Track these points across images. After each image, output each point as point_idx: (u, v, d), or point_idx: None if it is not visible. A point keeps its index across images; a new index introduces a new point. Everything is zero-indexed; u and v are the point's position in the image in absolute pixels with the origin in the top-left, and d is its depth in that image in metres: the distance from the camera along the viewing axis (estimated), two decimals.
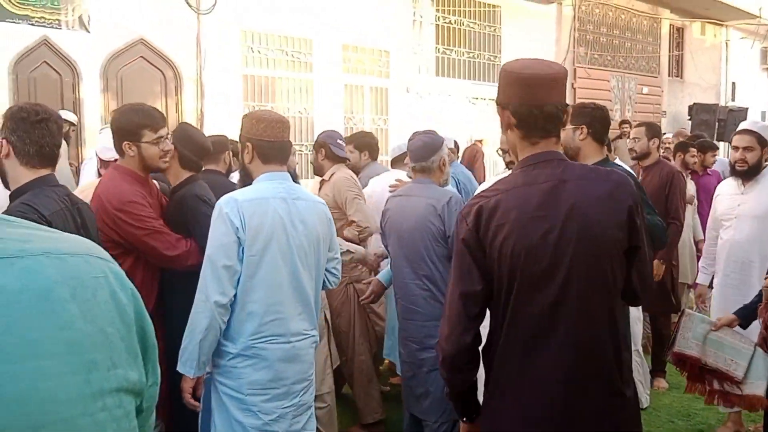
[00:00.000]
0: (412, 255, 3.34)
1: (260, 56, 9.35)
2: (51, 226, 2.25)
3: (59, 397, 0.73)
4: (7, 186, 2.51)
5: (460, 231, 1.94)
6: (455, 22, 12.01)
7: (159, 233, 2.97)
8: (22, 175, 2.43)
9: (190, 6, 8.43)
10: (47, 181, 2.47)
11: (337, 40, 10.09)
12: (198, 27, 8.53)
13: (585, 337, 1.85)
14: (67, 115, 5.32)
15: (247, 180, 2.87)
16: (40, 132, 2.41)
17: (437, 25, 11.78)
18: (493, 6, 12.58)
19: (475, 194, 2.07)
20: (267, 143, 2.76)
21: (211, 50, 8.67)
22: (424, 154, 3.50)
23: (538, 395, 1.87)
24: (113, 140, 3.05)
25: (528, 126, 1.92)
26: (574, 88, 14.09)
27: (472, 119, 12.02)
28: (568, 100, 11.45)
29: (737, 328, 3.26)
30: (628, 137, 5.79)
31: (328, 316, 4.25)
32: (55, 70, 7.51)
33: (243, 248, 2.61)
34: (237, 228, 2.58)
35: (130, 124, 2.99)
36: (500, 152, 4.10)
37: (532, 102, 1.90)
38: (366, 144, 5.29)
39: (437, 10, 11.69)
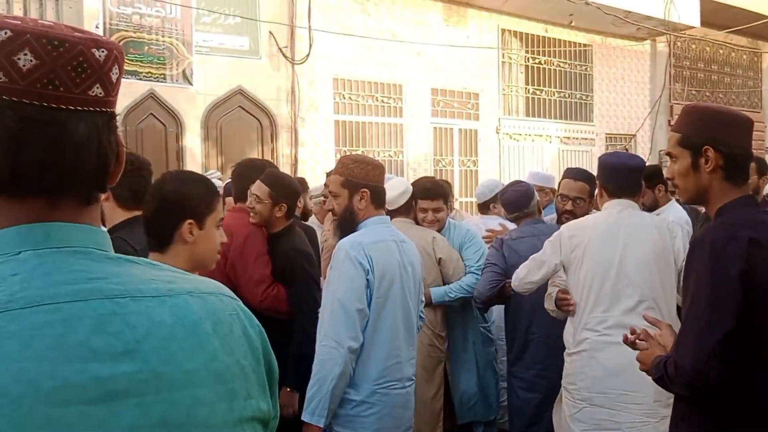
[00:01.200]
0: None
1: (351, 102, 9.59)
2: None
3: (211, 422, 0.81)
4: (103, 224, 2.73)
5: (730, 263, 1.82)
6: (545, 62, 11.94)
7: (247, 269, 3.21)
8: (117, 215, 2.70)
9: (285, 57, 8.78)
10: (138, 220, 2.69)
11: (426, 84, 10.22)
12: (292, 76, 8.86)
13: None
14: (213, 175, 5.62)
15: (347, 225, 2.82)
16: (135, 179, 2.67)
17: (527, 66, 11.75)
18: (584, 45, 12.44)
19: (725, 223, 1.93)
20: (381, 189, 2.81)
21: (305, 98, 8.97)
22: (524, 202, 3.96)
23: None
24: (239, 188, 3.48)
25: (738, 169, 1.96)
26: (671, 126, 13.63)
27: (564, 159, 11.83)
28: (666, 138, 11.10)
29: None
30: None
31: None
32: (160, 121, 7.97)
33: (371, 291, 2.61)
34: (367, 270, 2.58)
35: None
36: (560, 198, 3.96)
37: (747, 146, 1.98)
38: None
39: (526, 52, 11.67)
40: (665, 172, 2.11)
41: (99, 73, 0.80)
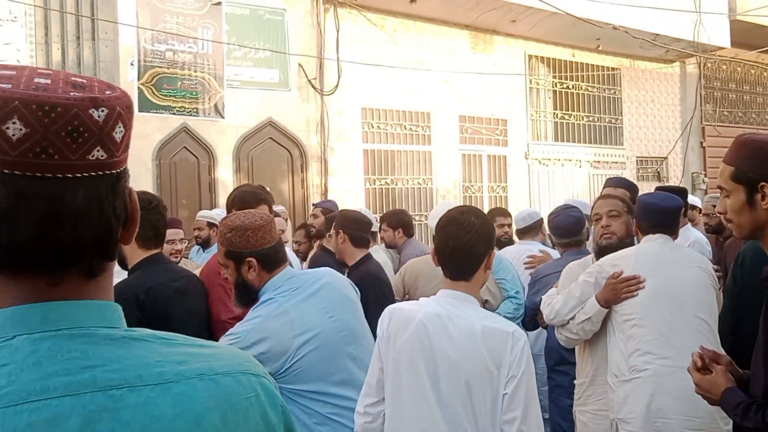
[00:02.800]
0: None
1: (380, 131, 9.68)
2: (147, 301, 2.56)
3: None
4: (124, 266, 2.79)
5: None
6: (573, 87, 11.94)
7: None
8: (137, 255, 2.75)
9: (314, 88, 8.93)
10: (156, 259, 2.80)
11: (454, 112, 10.29)
12: (321, 107, 8.99)
13: None
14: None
15: (245, 298, 2.58)
16: (155, 216, 2.75)
17: (554, 91, 11.75)
18: (612, 69, 12.42)
19: None
20: (267, 252, 2.54)
21: (334, 128, 9.09)
22: (578, 228, 3.92)
23: None
24: None
25: None
26: (704, 147, 13.49)
27: (595, 184, 11.75)
28: (699, 160, 10.97)
29: None
30: None
31: None
32: (193, 154, 8.13)
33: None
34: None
35: None
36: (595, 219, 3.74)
37: None
38: (400, 221, 5.26)
39: (554, 77, 11.69)
40: (717, 206, 2.00)
41: (99, 135, 0.74)
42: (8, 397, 0.68)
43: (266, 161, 8.65)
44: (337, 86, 9.05)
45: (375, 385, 2.20)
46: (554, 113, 11.77)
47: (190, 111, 8.00)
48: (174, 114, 7.86)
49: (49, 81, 0.74)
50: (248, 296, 2.50)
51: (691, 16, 11.53)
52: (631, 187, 4.04)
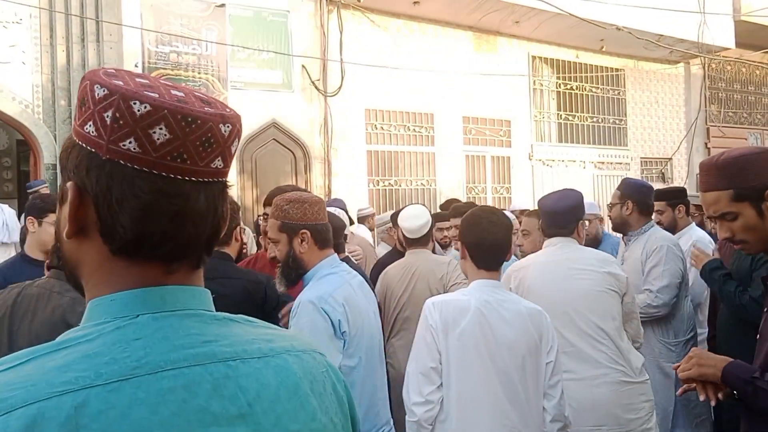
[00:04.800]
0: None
1: (384, 132, 9.69)
2: None
3: None
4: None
5: None
6: (577, 88, 11.93)
7: None
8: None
9: (317, 89, 8.94)
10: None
11: (457, 113, 10.30)
12: (325, 108, 9.01)
13: None
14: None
15: (291, 272, 2.62)
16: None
17: (558, 92, 11.76)
18: (617, 70, 12.41)
19: None
20: (322, 226, 2.58)
21: (338, 129, 9.11)
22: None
23: None
24: None
25: None
26: (708, 148, 13.47)
27: (599, 184, 11.76)
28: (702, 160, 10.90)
29: None
30: None
31: None
32: None
33: (346, 341, 2.45)
34: (338, 321, 2.42)
35: None
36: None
37: None
38: None
39: (558, 78, 11.69)
40: (720, 233, 1.95)
41: (222, 147, 0.84)
42: (149, 365, 0.77)
43: (270, 162, 8.67)
44: (340, 87, 9.07)
45: (431, 374, 2.37)
46: (558, 114, 11.76)
47: None
48: None
49: (183, 95, 0.84)
50: (296, 272, 2.53)
51: (696, 17, 11.52)
52: (641, 189, 4.08)
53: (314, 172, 8.96)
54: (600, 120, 12.29)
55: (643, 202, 4.10)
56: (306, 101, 8.88)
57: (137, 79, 0.83)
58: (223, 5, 8.14)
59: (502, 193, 10.86)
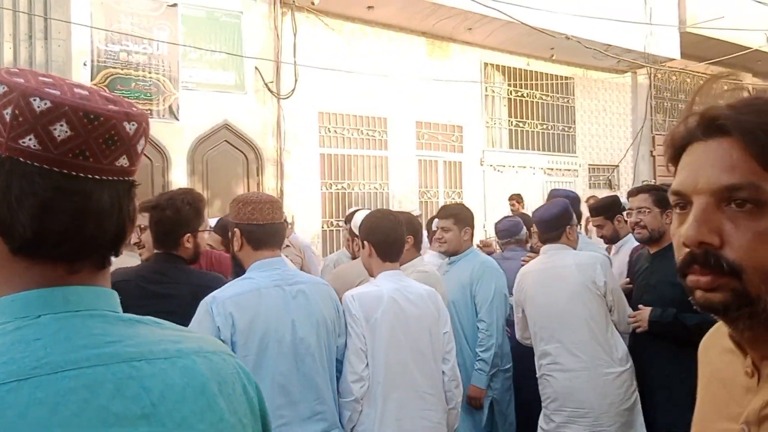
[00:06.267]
0: None
1: (337, 136, 9.72)
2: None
3: None
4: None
5: None
6: (528, 95, 12.16)
7: None
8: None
9: (270, 91, 8.93)
10: (162, 257, 2.83)
11: (410, 118, 10.39)
12: (278, 111, 9.00)
13: None
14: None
15: (237, 269, 2.63)
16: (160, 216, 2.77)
17: (509, 99, 11.96)
18: (566, 78, 12.68)
19: None
20: (254, 227, 2.53)
21: (290, 132, 9.10)
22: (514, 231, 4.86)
23: None
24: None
25: None
26: (653, 156, 13.87)
27: (548, 190, 11.98)
28: (649, 169, 11.11)
29: None
30: None
31: None
32: (146, 156, 8.00)
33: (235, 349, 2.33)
34: (218, 328, 2.33)
35: None
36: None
37: None
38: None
39: (509, 85, 11.89)
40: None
41: (127, 145, 0.84)
42: (49, 365, 0.77)
43: (221, 164, 8.61)
44: (293, 90, 9.07)
45: (360, 354, 2.69)
46: (509, 120, 11.96)
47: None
48: None
49: (87, 93, 0.83)
50: (240, 269, 2.57)
51: (643, 28, 11.85)
52: (571, 199, 4.21)
53: (266, 175, 8.93)
54: (550, 127, 12.54)
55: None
56: (259, 103, 8.85)
57: (40, 78, 0.82)
58: (175, 5, 8.06)
59: (453, 198, 10.98)
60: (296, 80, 9.07)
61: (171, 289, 2.66)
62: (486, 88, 11.53)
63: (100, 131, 0.81)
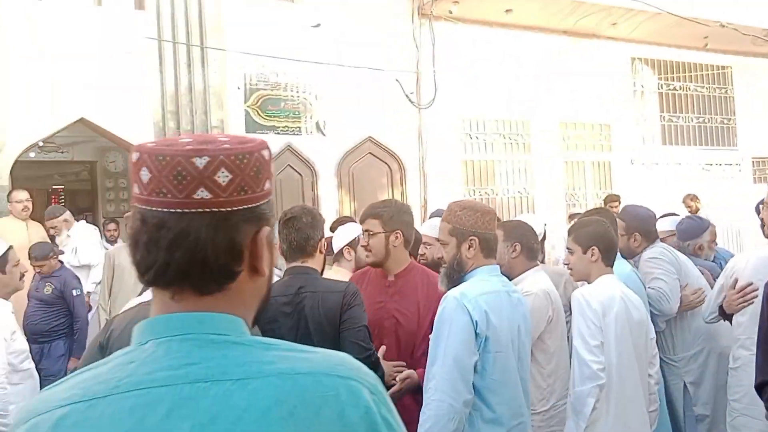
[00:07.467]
0: None
1: (478, 142, 9.66)
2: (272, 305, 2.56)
3: None
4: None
5: None
6: (681, 88, 11.47)
7: None
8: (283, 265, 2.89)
9: (411, 102, 9.04)
10: (291, 270, 2.85)
11: (554, 119, 10.12)
12: (419, 120, 9.09)
13: None
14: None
15: (455, 275, 2.68)
16: (287, 230, 2.84)
17: (660, 93, 11.34)
18: (723, 67, 11.84)
19: None
20: (491, 236, 2.66)
21: (432, 140, 9.15)
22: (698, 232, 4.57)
23: None
24: None
25: None
26: None
27: (707, 187, 11.22)
28: None
29: None
30: None
31: None
32: (296, 171, 8.41)
33: (481, 344, 2.46)
34: (476, 322, 2.44)
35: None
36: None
37: None
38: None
39: (659, 78, 11.28)
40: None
41: (200, 178, 0.90)
42: (126, 386, 0.88)
43: (366, 176, 8.82)
44: (434, 99, 9.12)
45: (596, 350, 2.91)
46: (661, 116, 11.34)
47: (293, 130, 8.29)
48: (278, 134, 8.17)
49: (190, 139, 0.94)
50: (458, 274, 2.65)
51: None
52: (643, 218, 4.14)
53: (410, 184, 9.04)
54: (706, 120, 11.75)
55: (645, 229, 4.06)
56: (400, 114, 8.98)
57: (177, 139, 0.95)
58: (318, 25, 8.38)
59: (601, 202, 10.55)
60: (436, 89, 9.12)
61: (308, 299, 2.79)
62: (634, 83, 11.01)
63: (168, 168, 0.89)
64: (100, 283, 6.10)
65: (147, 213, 0.91)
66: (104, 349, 2.29)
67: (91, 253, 6.52)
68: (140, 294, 2.71)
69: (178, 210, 0.90)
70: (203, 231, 0.90)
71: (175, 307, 0.92)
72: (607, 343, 2.88)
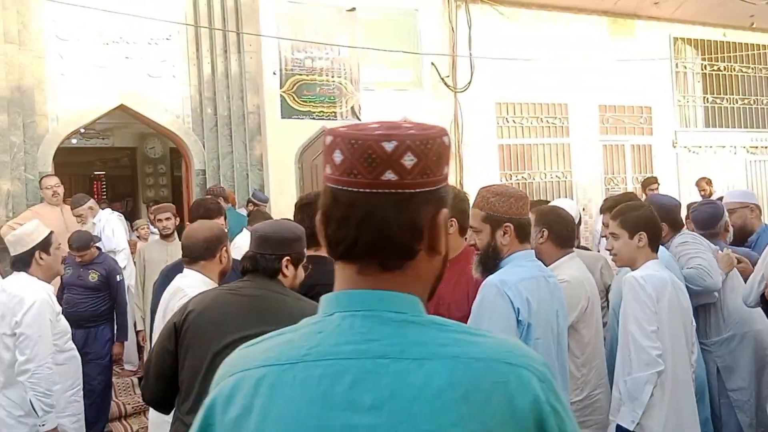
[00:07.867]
0: None
1: (515, 125, 9.55)
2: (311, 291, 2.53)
3: None
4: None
5: None
6: (725, 69, 11.16)
7: None
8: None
9: (447, 86, 8.96)
10: (316, 259, 2.72)
11: (593, 102, 9.94)
12: (455, 104, 9.01)
13: None
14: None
15: (490, 261, 2.64)
16: (301, 216, 2.83)
17: (704, 74, 11.05)
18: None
19: None
20: (525, 222, 2.62)
21: (468, 124, 9.07)
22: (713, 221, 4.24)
23: None
24: None
25: None
26: None
27: (753, 171, 10.94)
28: None
29: None
30: None
31: None
32: None
33: (522, 330, 2.44)
34: (517, 309, 2.42)
35: None
36: None
37: None
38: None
39: (703, 59, 10.99)
40: None
41: (389, 161, 0.95)
42: (315, 354, 0.95)
43: None
44: (470, 83, 9.03)
45: (653, 335, 2.91)
46: (704, 97, 11.06)
47: (328, 115, 8.29)
48: (314, 119, 8.17)
49: (367, 125, 1.00)
50: (493, 262, 2.61)
51: None
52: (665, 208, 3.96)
53: None
54: (752, 101, 11.42)
55: (671, 219, 3.98)
56: (436, 98, 8.91)
57: (366, 125, 1.00)
58: (353, 9, 8.34)
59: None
60: (472, 73, 9.02)
61: None
62: (677, 64, 10.74)
63: (360, 152, 0.96)
64: (125, 269, 6.22)
65: (339, 192, 0.97)
66: (178, 330, 2.33)
67: (117, 238, 6.63)
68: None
69: (368, 190, 0.96)
70: (389, 210, 0.96)
71: (360, 282, 0.99)
72: (662, 329, 2.87)
